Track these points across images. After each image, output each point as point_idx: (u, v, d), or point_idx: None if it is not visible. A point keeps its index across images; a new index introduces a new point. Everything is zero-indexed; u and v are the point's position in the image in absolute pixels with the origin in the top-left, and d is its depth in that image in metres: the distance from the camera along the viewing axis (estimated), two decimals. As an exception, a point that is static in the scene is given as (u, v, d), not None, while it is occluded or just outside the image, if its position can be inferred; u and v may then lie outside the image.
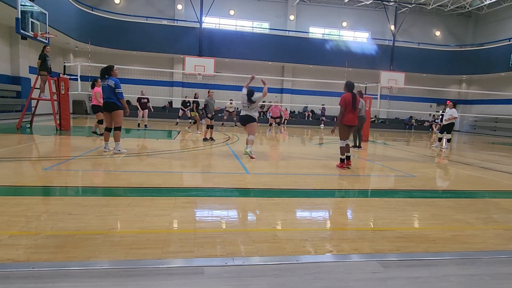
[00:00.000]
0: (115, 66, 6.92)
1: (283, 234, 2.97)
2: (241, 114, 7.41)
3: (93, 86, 9.72)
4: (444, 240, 2.99)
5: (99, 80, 9.23)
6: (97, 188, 4.26)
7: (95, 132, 9.99)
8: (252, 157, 7.04)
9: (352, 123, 6.28)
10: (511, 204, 4.45)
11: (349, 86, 6.27)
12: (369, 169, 6.98)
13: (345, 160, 6.42)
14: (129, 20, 20.13)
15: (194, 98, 13.20)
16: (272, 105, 17.18)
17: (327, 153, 9.09)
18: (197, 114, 12.85)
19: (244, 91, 7.28)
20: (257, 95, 7.23)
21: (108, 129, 6.93)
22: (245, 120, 7.32)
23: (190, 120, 14.25)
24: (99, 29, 18.96)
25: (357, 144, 9.83)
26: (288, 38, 22.35)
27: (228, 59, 21.47)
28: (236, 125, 18.03)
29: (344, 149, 6.37)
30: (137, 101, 13.89)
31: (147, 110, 13.97)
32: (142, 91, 14.62)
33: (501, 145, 14.97)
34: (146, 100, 13.90)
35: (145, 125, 13.91)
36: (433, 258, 2.58)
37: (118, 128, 6.83)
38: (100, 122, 9.67)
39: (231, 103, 18.57)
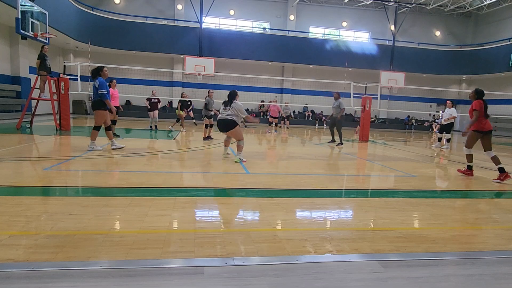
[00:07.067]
0: (105, 67, 7.19)
1: (283, 234, 2.97)
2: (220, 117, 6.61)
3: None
4: (444, 240, 2.99)
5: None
6: (97, 188, 4.26)
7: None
8: (244, 161, 6.57)
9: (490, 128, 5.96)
10: (511, 204, 4.45)
11: (480, 94, 6.03)
12: (369, 169, 6.98)
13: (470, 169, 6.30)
14: (129, 20, 20.12)
15: (181, 97, 13.52)
16: (270, 104, 17.14)
17: (326, 153, 9.09)
18: (181, 112, 13.19)
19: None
20: (237, 104, 6.56)
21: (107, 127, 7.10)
22: (226, 125, 6.55)
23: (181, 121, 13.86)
24: (99, 29, 18.94)
25: (338, 140, 10.81)
26: (288, 38, 22.34)
27: (228, 59, 21.46)
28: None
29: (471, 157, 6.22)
30: (147, 101, 13.41)
31: (157, 111, 13.57)
32: (152, 91, 14.11)
33: (501, 145, 14.96)
34: (156, 100, 13.46)
35: (155, 126, 13.54)
36: (433, 258, 2.58)
37: (97, 128, 7.06)
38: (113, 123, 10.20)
39: (286, 105, 18.30)
